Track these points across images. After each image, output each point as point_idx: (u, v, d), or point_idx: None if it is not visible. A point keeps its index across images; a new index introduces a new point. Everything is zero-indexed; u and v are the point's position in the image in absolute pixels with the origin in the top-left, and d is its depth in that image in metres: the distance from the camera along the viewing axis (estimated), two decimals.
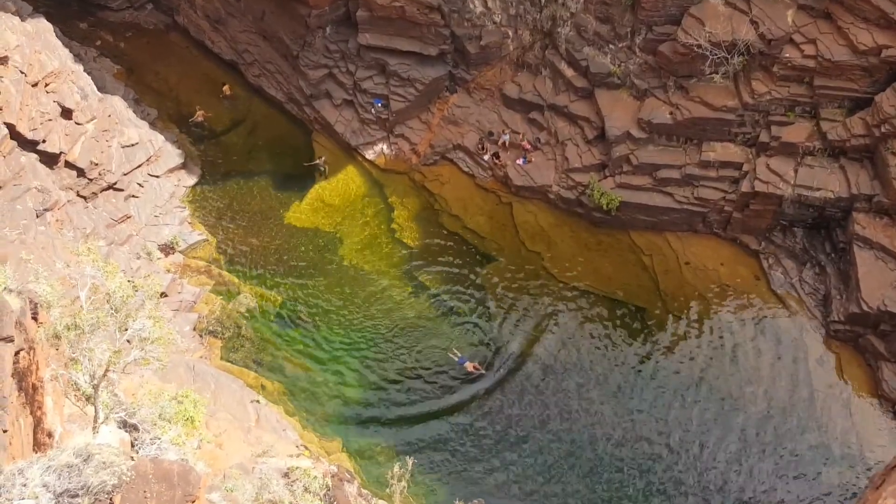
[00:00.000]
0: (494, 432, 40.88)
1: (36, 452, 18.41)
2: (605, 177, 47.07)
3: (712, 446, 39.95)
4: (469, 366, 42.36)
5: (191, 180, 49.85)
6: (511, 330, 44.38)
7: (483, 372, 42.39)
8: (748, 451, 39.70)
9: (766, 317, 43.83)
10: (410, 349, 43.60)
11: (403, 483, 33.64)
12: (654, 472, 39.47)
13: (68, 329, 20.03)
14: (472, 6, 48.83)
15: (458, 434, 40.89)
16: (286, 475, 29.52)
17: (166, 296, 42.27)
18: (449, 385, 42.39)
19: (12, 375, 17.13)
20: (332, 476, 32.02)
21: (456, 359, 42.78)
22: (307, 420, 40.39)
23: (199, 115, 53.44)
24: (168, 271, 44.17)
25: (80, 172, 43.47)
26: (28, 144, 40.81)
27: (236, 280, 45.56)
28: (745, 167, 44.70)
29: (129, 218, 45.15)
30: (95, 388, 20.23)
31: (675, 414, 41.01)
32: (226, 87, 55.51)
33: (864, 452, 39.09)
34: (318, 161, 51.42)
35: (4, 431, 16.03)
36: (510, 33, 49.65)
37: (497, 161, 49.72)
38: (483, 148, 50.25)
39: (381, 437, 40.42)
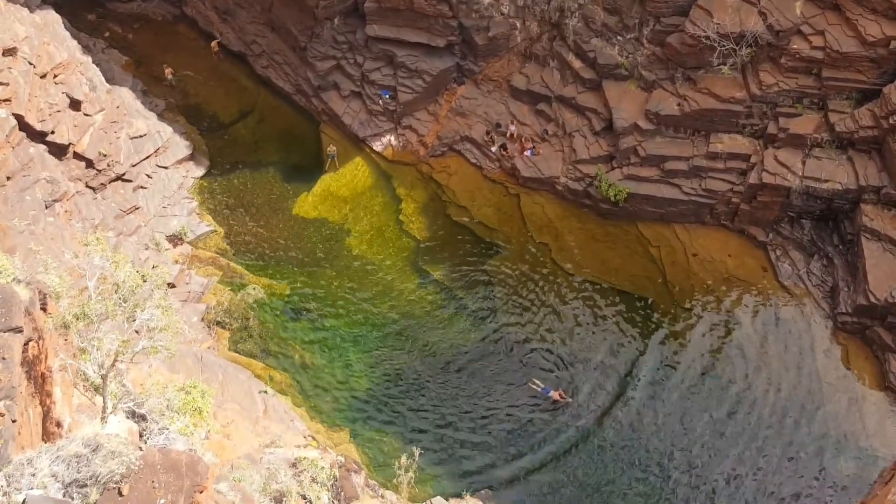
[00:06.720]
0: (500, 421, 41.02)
1: (45, 442, 18.52)
2: (613, 168, 47.04)
3: (718, 437, 39.91)
4: (555, 394, 41.07)
5: (199, 171, 50.02)
6: (515, 320, 44.34)
7: (569, 400, 41.15)
8: (754, 442, 39.64)
9: (773, 308, 43.76)
10: (416, 340, 43.60)
11: (411, 473, 33.80)
12: (650, 462, 39.45)
13: (77, 319, 20.09)
14: None
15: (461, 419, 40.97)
16: (294, 465, 29.63)
17: (174, 286, 42.44)
18: (453, 376, 42.42)
19: (21, 365, 17.23)
20: (340, 466, 32.16)
21: (539, 389, 41.42)
22: (314, 410, 40.47)
23: (168, 72, 54.48)
24: (176, 262, 44.32)
25: (89, 163, 43.61)
26: (37, 135, 40.92)
27: (244, 271, 45.64)
28: (753, 159, 44.61)
29: (137, 209, 45.30)
30: (104, 378, 20.31)
31: (679, 405, 40.97)
32: (214, 44, 56.35)
33: (872, 444, 38.94)
34: (329, 150, 51.54)
35: (13, 421, 16.13)
36: (518, 24, 49.58)
37: (505, 152, 49.72)
38: (491, 139, 50.25)
39: (388, 427, 40.45)
